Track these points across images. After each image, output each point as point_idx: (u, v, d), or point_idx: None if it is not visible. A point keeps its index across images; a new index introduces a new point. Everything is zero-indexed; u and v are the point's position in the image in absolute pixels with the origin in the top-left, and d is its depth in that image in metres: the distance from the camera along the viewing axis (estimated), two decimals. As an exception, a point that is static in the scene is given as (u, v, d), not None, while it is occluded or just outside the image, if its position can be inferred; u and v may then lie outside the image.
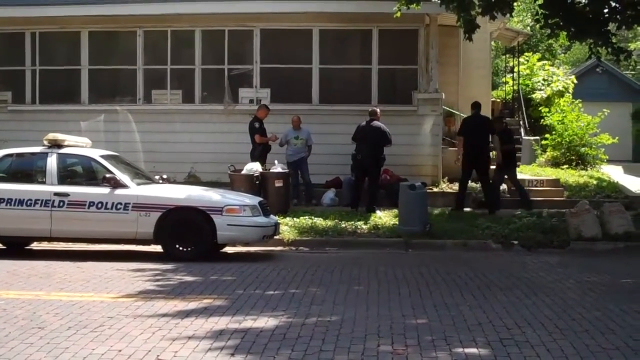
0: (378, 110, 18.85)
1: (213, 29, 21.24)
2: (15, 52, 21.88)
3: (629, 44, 34.47)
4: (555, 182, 21.16)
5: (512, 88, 31.36)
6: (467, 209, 18.60)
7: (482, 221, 17.01)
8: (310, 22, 20.77)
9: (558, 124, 25.96)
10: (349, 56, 21.62)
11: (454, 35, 22.27)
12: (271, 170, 18.19)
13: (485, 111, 23.90)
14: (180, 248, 13.61)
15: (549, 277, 12.22)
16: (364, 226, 16.61)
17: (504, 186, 20.37)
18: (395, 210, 17.15)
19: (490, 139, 18.91)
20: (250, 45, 21.06)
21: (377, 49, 20.73)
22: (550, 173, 22.70)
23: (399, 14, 17.83)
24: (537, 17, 17.72)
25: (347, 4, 20.36)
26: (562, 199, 19.81)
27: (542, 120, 27.90)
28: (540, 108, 28.96)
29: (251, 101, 20.92)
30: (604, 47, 17.26)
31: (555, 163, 24.88)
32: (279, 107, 20.19)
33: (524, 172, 23.03)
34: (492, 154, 19.19)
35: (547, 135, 26.00)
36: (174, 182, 16.87)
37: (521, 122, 27.87)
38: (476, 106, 19.11)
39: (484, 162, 18.72)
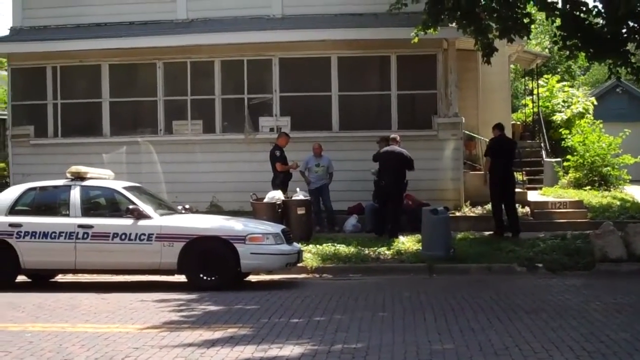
0: (398, 136, 18.83)
1: (232, 59, 21.36)
2: (37, 87, 22.08)
3: (648, 64, 34.30)
4: (579, 204, 21.04)
5: (532, 110, 31.29)
6: (488, 233, 18.47)
7: (506, 244, 16.93)
8: (328, 50, 20.86)
9: (579, 145, 25.86)
10: (368, 82, 21.67)
11: (472, 59, 22.31)
12: (293, 198, 18.20)
13: (506, 134, 23.90)
14: (204, 277, 13.61)
15: (575, 300, 12.13)
16: (387, 252, 16.57)
17: (526, 209, 20.32)
18: (418, 236, 17.09)
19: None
20: (269, 74, 21.17)
21: (395, 75, 20.77)
22: (573, 194, 22.59)
23: (416, 40, 17.88)
24: (555, 39, 17.74)
25: (365, 31, 20.44)
26: (585, 220, 19.69)
27: (563, 142, 27.81)
28: (560, 130, 28.87)
29: (271, 130, 20.98)
30: (623, 67, 17.25)
31: (577, 184, 24.76)
32: (299, 135, 20.24)
33: (546, 194, 22.95)
34: (517, 176, 18.98)
35: (568, 157, 25.90)
36: (197, 211, 16.91)
37: (542, 144, 27.78)
38: (500, 127, 18.96)
39: (512, 184, 18.64)
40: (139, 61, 21.88)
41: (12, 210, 14.40)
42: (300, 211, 17.93)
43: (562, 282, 14.08)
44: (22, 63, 22.15)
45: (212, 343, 9.20)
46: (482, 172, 19.41)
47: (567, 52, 17.38)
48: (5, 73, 27.39)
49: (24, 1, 22.48)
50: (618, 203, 21.69)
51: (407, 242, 17.36)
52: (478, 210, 19.99)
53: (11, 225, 14.09)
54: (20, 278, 14.49)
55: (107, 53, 21.39)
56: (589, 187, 24.26)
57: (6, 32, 23.29)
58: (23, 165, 21.68)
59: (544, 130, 28.86)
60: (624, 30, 16.94)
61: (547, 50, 41.34)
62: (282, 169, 19.10)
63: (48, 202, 15.14)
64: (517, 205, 19.48)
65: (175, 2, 21.86)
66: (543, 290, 13.26)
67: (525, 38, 18.53)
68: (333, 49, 20.83)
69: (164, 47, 21.16)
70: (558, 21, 17.25)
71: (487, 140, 19.91)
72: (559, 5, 16.87)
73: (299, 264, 14.98)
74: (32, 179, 17.51)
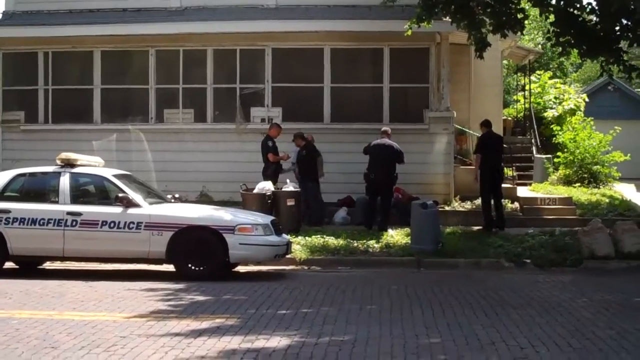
0: (389, 129, 18.86)
1: (225, 48, 21.31)
2: (28, 72, 21.98)
3: (641, 62, 34.39)
4: (568, 201, 21.08)
5: (523, 106, 31.33)
6: (477, 227, 18.53)
7: (495, 240, 16.98)
8: (321, 41, 20.83)
9: (570, 142, 25.91)
10: (361, 75, 21.64)
11: (465, 53, 22.31)
12: (283, 189, 18.19)
13: (497, 129, 23.93)
14: (193, 267, 13.61)
15: (562, 296, 12.17)
16: (376, 245, 16.58)
17: (516, 204, 20.37)
18: (407, 229, 17.12)
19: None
20: (261, 64, 21.12)
21: (388, 68, 20.75)
22: (563, 191, 22.62)
23: (409, 32, 17.86)
24: (549, 35, 17.74)
25: (358, 23, 20.41)
26: (574, 217, 19.72)
27: (554, 138, 27.84)
28: (552, 126, 28.92)
29: (263, 120, 20.95)
30: (615, 65, 17.27)
31: (567, 181, 24.81)
32: (290, 126, 20.20)
33: (536, 190, 23.00)
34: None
35: (559, 154, 25.95)
36: (186, 201, 16.89)
37: (533, 140, 27.82)
38: (488, 124, 19.06)
39: (500, 180, 18.80)
40: (131, 48, 21.81)
41: (1, 196, 14.35)
42: (290, 202, 17.93)
43: (549, 278, 14.13)
44: (13, 48, 22.04)
45: (199, 333, 9.20)
46: (473, 168, 19.42)
47: (560, 49, 17.38)
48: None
49: (17, -14, 22.37)
50: (607, 200, 21.76)
51: (396, 236, 17.38)
52: (467, 205, 20.00)
53: (0, 211, 14.03)
54: (8, 265, 14.44)
55: (99, 39, 21.31)
56: (579, 184, 24.32)
57: (-2, 17, 23.15)
58: (13, 151, 21.60)
59: (535, 127, 28.89)
60: (617, 28, 16.95)
61: (540, 46, 41.34)
62: (274, 160, 19.07)
63: (37, 189, 15.06)
64: (506, 200, 19.74)
65: (169, -11, 21.79)
66: (530, 286, 13.29)
67: (519, 33, 18.51)
68: (326, 40, 20.80)
69: (156, 34, 21.12)
70: (552, 17, 17.27)
71: (478, 135, 19.92)
72: (553, 2, 16.89)
73: (288, 256, 14.99)
74: (21, 165, 17.46)
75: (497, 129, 23.86)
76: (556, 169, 25.72)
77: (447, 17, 17.83)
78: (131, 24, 21.16)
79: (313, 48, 21.07)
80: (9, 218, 13.98)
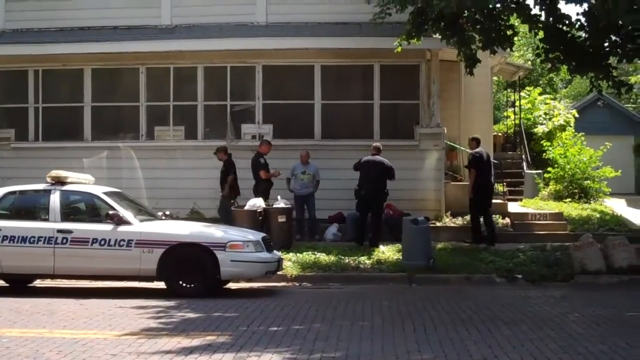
0: (380, 145, 18.90)
1: (215, 66, 21.34)
2: (18, 90, 21.96)
3: (630, 78, 34.54)
4: (558, 216, 21.12)
5: (513, 122, 31.42)
6: (467, 243, 18.57)
7: (486, 255, 16.98)
8: (312, 58, 20.88)
9: (560, 157, 25.99)
10: (351, 92, 21.69)
11: (455, 70, 22.37)
12: (274, 206, 18.18)
13: (487, 145, 24.01)
14: (184, 284, 13.57)
15: (554, 311, 12.17)
16: (367, 261, 16.58)
17: (506, 220, 20.41)
18: (399, 245, 17.13)
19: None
20: (252, 81, 21.15)
21: (378, 85, 20.81)
22: (553, 207, 22.66)
23: (399, 49, 17.92)
24: (538, 51, 17.83)
25: (349, 40, 20.48)
26: (565, 232, 19.75)
27: (544, 154, 27.93)
28: (542, 142, 29.00)
29: (253, 137, 20.95)
30: (605, 81, 17.36)
31: (558, 197, 24.85)
32: (281, 143, 20.23)
33: (527, 206, 23.04)
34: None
35: (549, 169, 26.02)
36: (177, 218, 16.87)
37: (523, 156, 27.90)
38: (478, 141, 19.28)
39: (491, 196, 19.05)
40: (122, 66, 21.81)
41: (-9, 214, 14.31)
42: (281, 219, 17.92)
43: (541, 294, 14.13)
44: (3, 66, 22.01)
45: (190, 350, 9.17)
46: (464, 183, 19.45)
47: (550, 65, 17.46)
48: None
49: (7, 3, 22.36)
50: (598, 216, 21.80)
51: (388, 252, 17.38)
52: (459, 221, 20.01)
53: (-11, 228, 13.99)
54: (-2, 282, 14.40)
55: (90, 57, 21.32)
56: (569, 199, 24.36)
57: (-12, 35, 23.12)
58: (3, 169, 21.45)
59: (525, 142, 28.99)
60: (606, 44, 17.04)
61: (529, 62, 41.54)
62: (266, 177, 19.07)
63: (27, 206, 14.99)
64: (497, 216, 19.86)
65: (159, 7, 21.81)
66: (522, 301, 13.29)
67: (508, 50, 18.58)
68: (316, 58, 20.86)
69: (147, 52, 21.13)
70: (541, 34, 17.35)
71: (469, 151, 19.94)
72: (542, 18, 16.97)
73: (279, 272, 14.96)
74: (12, 183, 17.36)
75: (488, 144, 23.98)
76: (547, 185, 25.78)
77: (437, 34, 17.88)
78: (122, 42, 21.17)
79: (304, 65, 21.11)
80: (-1, 236, 13.93)
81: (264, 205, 18.08)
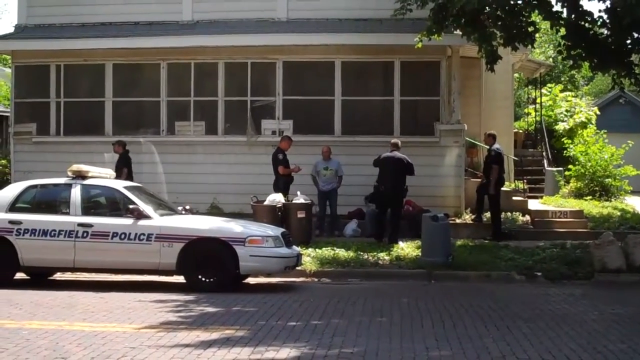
0: (399, 141, 18.88)
1: (236, 61, 21.39)
2: (40, 85, 22.10)
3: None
4: (579, 214, 21.03)
5: (534, 119, 31.29)
6: (487, 240, 18.56)
7: (506, 252, 16.93)
8: (332, 55, 20.88)
9: (581, 155, 25.85)
10: (371, 88, 21.67)
11: (476, 66, 22.32)
12: (294, 201, 18.20)
13: (508, 142, 24.01)
14: (203, 279, 13.60)
15: (573, 309, 12.12)
16: (386, 257, 16.56)
17: (527, 217, 20.36)
18: (418, 242, 17.10)
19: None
20: (272, 77, 21.18)
21: (399, 81, 20.79)
22: (574, 204, 22.57)
23: (420, 45, 17.87)
24: (560, 48, 17.74)
25: (369, 36, 20.46)
26: (585, 230, 19.69)
27: (565, 151, 27.81)
28: (563, 139, 28.86)
29: (274, 133, 20.99)
30: (627, 78, 17.25)
31: (578, 194, 24.74)
32: (301, 139, 20.26)
33: (547, 203, 22.95)
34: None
35: (570, 166, 25.90)
36: (197, 213, 16.89)
37: (544, 154, 27.78)
38: (494, 137, 19.61)
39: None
40: (143, 61, 21.90)
41: (13, 207, 14.38)
42: (301, 215, 17.94)
43: (560, 292, 14.07)
44: (26, 61, 22.17)
45: (208, 344, 9.19)
46: (486, 181, 19.38)
47: (571, 62, 17.37)
48: (9, 70, 27.52)
49: (29, -1, 22.53)
50: (618, 214, 21.68)
51: (407, 248, 17.36)
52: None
53: (11, 222, 14.07)
54: (19, 275, 14.47)
55: (111, 52, 21.42)
56: (590, 197, 24.24)
57: (11, 30, 23.29)
58: (25, 163, 21.69)
59: (546, 139, 28.87)
60: (628, 41, 16.93)
61: (551, 59, 41.33)
62: (284, 172, 19.11)
63: (48, 200, 15.10)
64: (517, 213, 19.91)
65: (180, 3, 21.89)
66: (541, 299, 13.23)
67: (530, 47, 18.54)
68: (337, 54, 20.85)
69: (168, 47, 21.20)
70: (562, 31, 17.27)
71: (487, 147, 19.93)
72: (564, 15, 16.87)
73: (298, 268, 14.96)
74: (33, 177, 17.50)
75: (508, 141, 24.00)
76: (567, 182, 25.66)
77: (458, 30, 17.83)
78: (143, 37, 21.27)
79: (324, 61, 21.12)
80: (20, 229, 14.01)
81: (283, 201, 18.10)
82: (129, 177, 19.31)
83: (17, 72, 22.47)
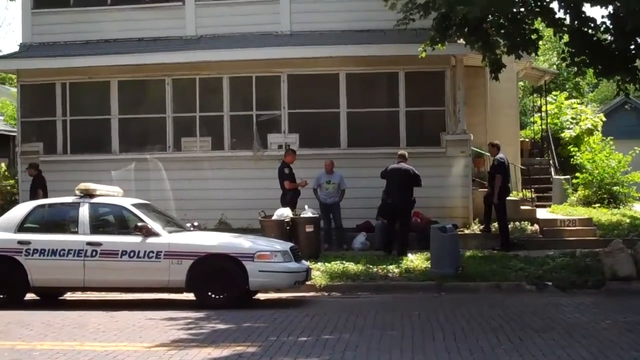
0: (406, 153, 18.88)
1: (240, 76, 21.41)
2: (46, 103, 22.14)
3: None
4: (588, 222, 20.95)
5: (540, 127, 31.26)
6: (496, 250, 18.52)
7: (515, 262, 16.88)
8: (336, 67, 20.89)
9: (588, 162, 25.81)
10: (377, 99, 21.68)
11: (480, 75, 22.32)
12: (302, 216, 18.18)
13: (515, 151, 23.97)
14: (213, 295, 13.59)
15: (585, 318, 12.08)
16: (395, 270, 16.52)
17: (535, 226, 20.31)
18: (427, 253, 17.06)
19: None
20: (277, 90, 21.20)
21: (404, 92, 20.78)
22: (582, 212, 22.51)
23: (424, 55, 17.88)
24: (564, 55, 17.70)
25: (373, 48, 20.46)
26: (595, 238, 19.61)
27: (572, 159, 27.77)
28: (569, 147, 28.83)
29: (280, 147, 20.98)
30: (632, 84, 17.22)
31: (586, 202, 24.69)
32: (308, 152, 20.27)
33: (555, 212, 22.90)
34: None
35: (577, 174, 25.86)
36: (205, 229, 16.90)
37: (551, 162, 27.74)
38: (499, 147, 19.61)
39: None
40: (148, 77, 21.94)
41: (21, 227, 14.41)
42: (309, 229, 17.92)
43: (571, 301, 14.02)
44: (31, 79, 22.23)
45: (220, 362, 9.18)
46: (490, 190, 19.37)
47: (576, 69, 17.35)
48: (14, 90, 27.57)
49: (33, 18, 22.60)
50: (627, 221, 21.60)
51: (416, 260, 17.32)
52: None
53: (20, 242, 14.09)
54: (29, 296, 14.47)
55: (116, 69, 21.46)
56: (598, 204, 24.18)
57: (16, 49, 23.35)
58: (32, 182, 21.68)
59: (553, 147, 28.83)
60: (632, 47, 16.89)
61: (555, 66, 41.31)
62: (290, 187, 19.11)
63: (57, 220, 15.13)
64: (526, 222, 19.85)
65: (184, 18, 21.95)
66: (552, 308, 13.19)
67: (533, 54, 18.50)
68: (341, 66, 20.86)
69: (173, 63, 21.22)
70: (566, 37, 17.25)
71: (491, 157, 19.97)
72: (567, 22, 16.86)
73: (308, 282, 14.94)
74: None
75: (515, 150, 23.98)
76: (575, 190, 25.61)
77: (461, 40, 17.85)
78: (147, 54, 21.31)
79: (328, 73, 21.12)
80: (29, 249, 14.02)
81: (291, 215, 18.09)
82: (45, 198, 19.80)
83: (23, 91, 22.52)
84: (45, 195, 19.68)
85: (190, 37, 21.88)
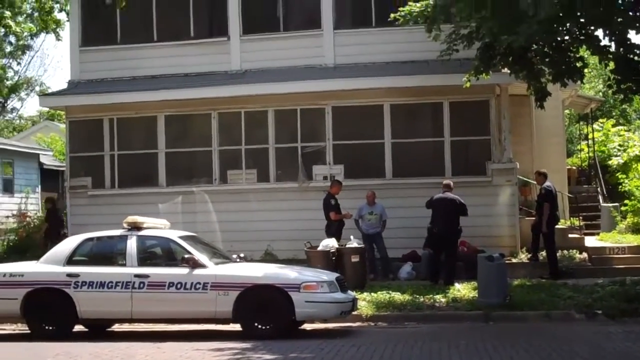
0: (451, 182, 18.84)
1: (285, 109, 21.54)
2: (94, 138, 22.45)
3: None
4: (637, 249, 20.66)
5: (587, 155, 30.99)
6: (544, 279, 18.35)
7: (564, 291, 16.67)
8: (381, 98, 20.95)
9: (637, 189, 25.49)
10: (421, 129, 21.66)
11: (525, 104, 22.23)
12: (347, 246, 18.18)
13: (562, 179, 23.80)
14: (259, 326, 13.60)
15: (636, 347, 11.92)
16: (442, 299, 16.42)
17: (584, 254, 20.10)
18: (474, 283, 16.94)
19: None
20: (322, 122, 21.30)
21: (448, 121, 20.76)
22: (632, 240, 22.19)
23: (468, 85, 17.87)
24: (609, 82, 17.58)
25: (417, 78, 20.50)
26: (645, 265, 19.34)
27: (620, 186, 27.45)
28: (617, 174, 28.52)
29: (325, 178, 21.03)
30: (679, 110, 17.03)
31: (636, 229, 24.30)
32: (353, 183, 20.30)
33: (604, 240, 22.64)
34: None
35: (626, 202, 25.55)
36: (251, 260, 16.97)
37: (599, 189, 27.46)
38: (545, 175, 19.57)
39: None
40: (194, 112, 22.16)
41: (70, 260, 14.58)
42: (355, 259, 17.89)
43: (621, 329, 13.82)
44: (79, 115, 22.60)
45: (267, 392, 9.17)
46: (538, 219, 19.23)
47: (622, 96, 17.17)
48: (63, 126, 28.04)
49: (81, 55, 23.00)
50: (678, 248, 21.25)
51: (463, 289, 17.21)
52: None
53: (69, 275, 14.25)
54: (77, 328, 14.61)
55: (162, 104, 21.73)
56: (648, 232, 23.83)
57: (64, 86, 23.78)
58: (81, 216, 21.99)
59: (600, 175, 28.54)
60: (678, 72, 16.73)
61: (601, 94, 41.01)
62: (336, 218, 19.15)
63: (105, 252, 15.30)
64: (574, 250, 19.68)
65: (229, 53, 22.19)
66: (602, 337, 13.01)
67: (579, 82, 18.38)
68: (385, 97, 20.92)
69: (218, 97, 21.44)
70: (611, 65, 17.12)
71: (538, 186, 19.86)
72: (612, 49, 16.75)
73: (354, 312, 14.89)
74: (89, 230, 17.71)
75: (562, 178, 23.78)
76: (624, 218, 25.28)
77: (506, 69, 17.81)
78: (193, 89, 21.56)
79: (373, 105, 21.18)
80: (78, 282, 14.17)
81: (337, 246, 18.09)
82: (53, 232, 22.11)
83: (71, 127, 22.89)
84: (56, 229, 21.79)
85: (236, 72, 22.10)
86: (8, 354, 12.50)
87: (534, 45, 16.49)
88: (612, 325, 14.46)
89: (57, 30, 33.49)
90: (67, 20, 29.52)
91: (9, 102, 57.04)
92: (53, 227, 22.90)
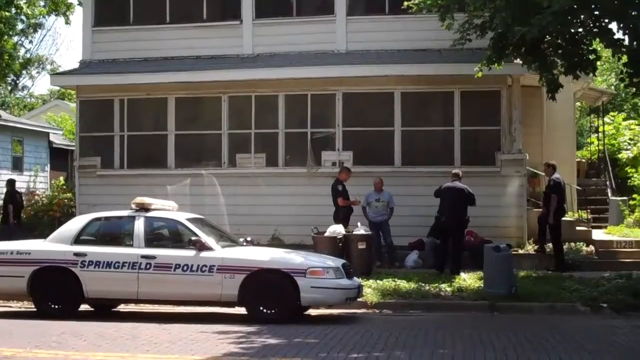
0: (460, 171, 18.82)
1: (296, 94, 21.53)
2: (104, 119, 22.51)
3: None
4: (645, 243, 20.65)
5: (597, 148, 30.91)
6: (550, 271, 18.33)
7: (570, 283, 16.66)
8: (392, 85, 20.91)
9: (646, 183, 25.46)
10: (431, 118, 21.65)
11: (536, 95, 22.15)
12: (354, 232, 18.19)
13: (571, 172, 23.73)
14: (264, 310, 13.63)
15: (640, 341, 11.89)
16: (448, 289, 16.42)
17: (591, 247, 20.06)
18: (480, 273, 16.93)
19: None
20: (332, 108, 21.28)
21: (459, 111, 20.71)
22: (639, 234, 22.16)
23: (480, 74, 17.82)
24: (622, 76, 17.52)
25: (429, 67, 20.47)
26: (652, 260, 19.32)
27: (630, 180, 27.38)
28: (626, 168, 28.45)
29: (334, 164, 21.03)
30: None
31: (644, 224, 24.31)
32: (361, 170, 20.29)
33: (612, 233, 22.59)
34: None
35: (634, 196, 25.49)
36: (258, 244, 16.99)
37: (608, 183, 27.40)
38: (554, 167, 19.53)
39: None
40: (204, 94, 22.18)
41: (77, 239, 14.63)
42: (361, 246, 17.91)
43: (627, 323, 13.79)
44: (90, 95, 22.63)
45: (270, 376, 9.20)
46: (545, 210, 19.20)
47: (634, 89, 17.14)
48: (73, 105, 28.07)
49: (93, 35, 23.02)
50: (685, 243, 21.20)
51: (469, 279, 17.21)
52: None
53: (76, 254, 14.30)
54: (83, 307, 14.68)
55: (173, 86, 21.74)
56: (656, 226, 23.78)
57: (76, 65, 23.81)
58: (89, 196, 22.07)
59: (610, 169, 28.47)
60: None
61: (613, 87, 40.84)
62: (343, 204, 19.15)
63: (112, 232, 15.34)
64: (581, 243, 19.64)
65: (241, 37, 22.18)
66: (607, 330, 12.99)
67: (591, 75, 18.31)
68: (397, 84, 20.88)
69: (229, 81, 21.45)
70: (624, 58, 17.06)
71: (547, 177, 19.82)
72: (626, 42, 16.68)
73: (359, 299, 14.91)
74: (97, 209, 17.76)
75: (571, 171, 23.70)
76: (632, 212, 25.23)
77: (518, 59, 17.76)
78: (204, 71, 21.57)
79: (384, 92, 21.15)
80: (85, 261, 14.22)
81: (344, 232, 18.11)
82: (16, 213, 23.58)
83: (82, 106, 22.92)
84: (15, 211, 23.20)
85: (247, 55, 22.09)
86: (14, 332, 12.56)
87: (547, 37, 16.43)
88: (617, 319, 14.43)
89: (67, 14, 33.44)
90: (79, 4, 29.45)
91: (20, 79, 57.17)
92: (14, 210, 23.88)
